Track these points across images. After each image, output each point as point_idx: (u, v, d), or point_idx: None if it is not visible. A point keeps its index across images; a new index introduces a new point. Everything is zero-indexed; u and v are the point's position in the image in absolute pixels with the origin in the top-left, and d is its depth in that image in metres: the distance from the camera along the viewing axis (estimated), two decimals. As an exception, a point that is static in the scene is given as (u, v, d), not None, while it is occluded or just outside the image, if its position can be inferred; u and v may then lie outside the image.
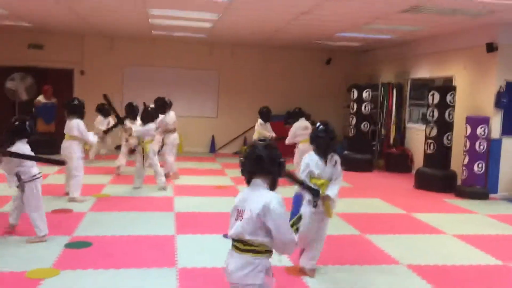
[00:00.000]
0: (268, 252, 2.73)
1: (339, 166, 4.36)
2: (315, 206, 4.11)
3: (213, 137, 13.08)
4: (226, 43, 12.61)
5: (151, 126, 7.69)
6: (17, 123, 5.01)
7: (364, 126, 10.98)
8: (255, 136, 9.93)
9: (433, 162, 8.71)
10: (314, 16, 8.00)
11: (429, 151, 8.81)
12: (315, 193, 3.99)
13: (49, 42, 12.17)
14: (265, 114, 9.37)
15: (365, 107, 10.93)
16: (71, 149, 6.74)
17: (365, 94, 10.91)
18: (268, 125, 9.33)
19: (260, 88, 13.18)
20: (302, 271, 4.37)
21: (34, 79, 11.60)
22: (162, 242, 5.14)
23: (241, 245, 2.69)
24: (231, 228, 2.73)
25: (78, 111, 6.84)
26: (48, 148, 9.76)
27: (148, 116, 7.72)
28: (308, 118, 9.06)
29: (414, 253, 5.12)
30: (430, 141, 8.79)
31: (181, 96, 12.37)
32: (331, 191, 4.21)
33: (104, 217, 6.03)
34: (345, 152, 10.87)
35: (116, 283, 4.02)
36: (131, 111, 8.46)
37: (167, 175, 8.43)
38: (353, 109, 11.11)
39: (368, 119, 11.07)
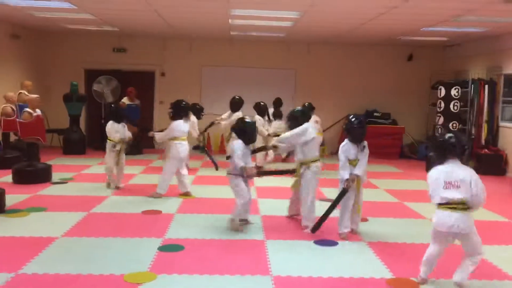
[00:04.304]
0: None
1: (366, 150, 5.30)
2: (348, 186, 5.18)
3: (290, 137, 12.88)
4: (303, 41, 12.40)
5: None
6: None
7: (453, 125, 10.34)
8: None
9: (534, 164, 8.02)
10: (401, 10, 7.60)
11: (529, 153, 8.12)
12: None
13: (132, 46, 12.58)
14: (262, 109, 9.50)
15: (453, 105, 10.29)
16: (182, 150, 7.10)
17: (453, 92, 10.27)
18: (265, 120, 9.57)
19: (337, 86, 12.86)
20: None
21: (118, 81, 12.03)
22: (253, 247, 5.04)
23: (460, 206, 3.76)
24: (441, 194, 3.80)
25: (185, 113, 7.35)
26: (133, 148, 10.12)
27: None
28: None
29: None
30: (530, 141, 8.10)
31: (258, 95, 12.30)
32: (358, 169, 5.20)
33: (192, 219, 6.04)
34: (431, 153, 10.27)
35: (212, 289, 3.95)
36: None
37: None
38: (440, 107, 10.50)
39: (457, 118, 10.42)
